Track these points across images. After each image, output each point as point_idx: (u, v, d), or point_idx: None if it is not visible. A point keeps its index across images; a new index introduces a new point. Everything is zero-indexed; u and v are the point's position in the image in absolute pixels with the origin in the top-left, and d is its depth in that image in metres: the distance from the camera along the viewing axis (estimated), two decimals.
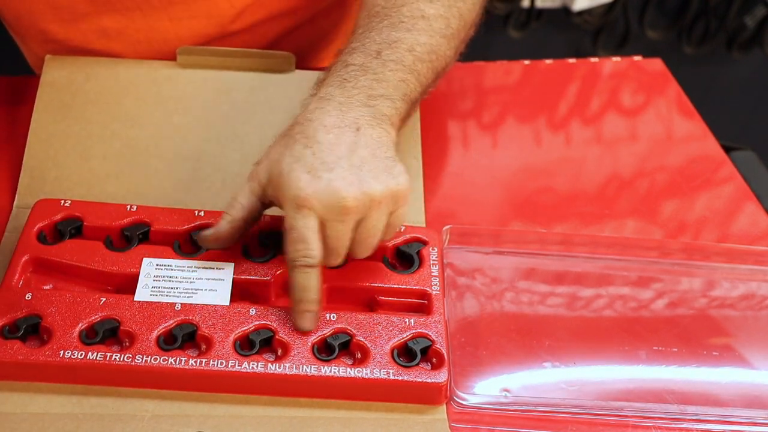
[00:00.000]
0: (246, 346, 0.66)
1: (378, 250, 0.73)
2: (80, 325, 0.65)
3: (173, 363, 0.64)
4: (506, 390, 0.69)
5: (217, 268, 0.70)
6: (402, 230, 0.75)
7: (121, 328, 0.66)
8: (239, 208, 0.68)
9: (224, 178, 0.80)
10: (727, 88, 1.98)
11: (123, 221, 0.73)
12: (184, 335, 0.66)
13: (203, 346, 0.66)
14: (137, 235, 0.72)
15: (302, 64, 0.89)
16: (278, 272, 0.70)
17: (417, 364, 0.66)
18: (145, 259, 0.71)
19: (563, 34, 1.86)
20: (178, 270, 0.70)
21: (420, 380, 0.65)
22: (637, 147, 0.94)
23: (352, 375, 0.65)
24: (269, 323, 0.67)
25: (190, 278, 0.69)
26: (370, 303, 0.72)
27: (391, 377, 0.65)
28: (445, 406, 0.67)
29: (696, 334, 0.75)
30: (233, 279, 0.70)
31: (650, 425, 0.68)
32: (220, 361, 0.65)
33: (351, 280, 0.71)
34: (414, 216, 0.80)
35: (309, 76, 0.83)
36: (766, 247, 0.83)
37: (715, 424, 0.68)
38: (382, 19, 0.74)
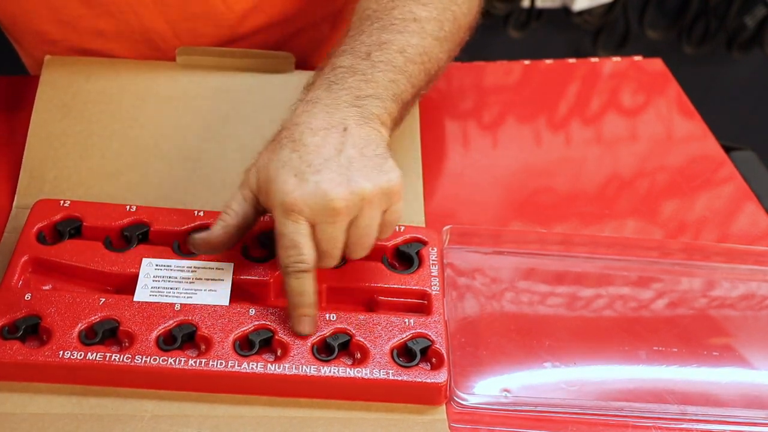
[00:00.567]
0: (245, 346, 0.66)
1: (377, 250, 0.73)
2: (80, 325, 0.65)
3: (173, 363, 0.64)
4: (506, 390, 0.68)
5: (216, 269, 0.70)
6: (401, 230, 0.75)
7: (121, 328, 0.66)
8: (233, 215, 0.68)
9: (224, 178, 0.80)
10: (727, 88, 1.97)
11: (122, 221, 0.73)
12: (184, 335, 0.66)
13: (203, 347, 0.66)
14: (137, 235, 0.72)
15: (302, 67, 0.89)
16: (278, 272, 0.70)
17: (417, 365, 0.66)
18: (144, 259, 0.70)
19: (563, 34, 1.86)
20: (178, 270, 0.70)
21: (420, 380, 0.65)
22: (637, 147, 0.94)
23: (352, 375, 0.65)
24: (269, 323, 0.67)
25: (189, 278, 0.69)
26: (370, 303, 0.72)
27: (391, 377, 0.65)
28: (444, 406, 0.67)
29: (696, 334, 0.75)
30: (233, 279, 0.70)
31: (650, 425, 0.68)
32: (219, 361, 0.64)
33: (350, 281, 0.71)
34: (414, 216, 0.80)
35: (308, 77, 0.83)
36: (766, 247, 0.83)
37: (715, 424, 0.68)
38: (373, 22, 0.73)
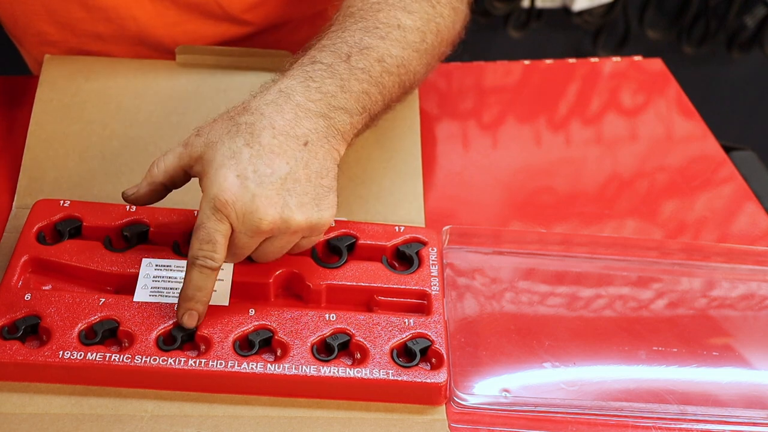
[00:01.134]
0: (245, 346, 0.66)
1: (377, 250, 0.74)
2: (79, 325, 0.65)
3: (172, 363, 0.64)
4: (506, 390, 0.68)
5: None
6: (401, 230, 0.75)
7: (121, 328, 0.66)
8: (161, 173, 0.67)
9: None
10: (727, 88, 1.97)
11: (122, 221, 0.72)
12: (184, 336, 0.66)
13: (202, 347, 0.66)
14: (136, 235, 0.72)
15: None
16: (277, 273, 0.70)
17: (416, 365, 0.66)
18: (144, 259, 0.70)
19: (563, 34, 1.86)
20: (177, 270, 0.70)
21: (419, 380, 0.65)
22: (637, 147, 0.94)
23: (352, 375, 0.65)
24: (268, 323, 0.67)
25: None
26: (370, 303, 0.72)
27: (391, 377, 0.65)
28: (444, 406, 0.67)
29: (696, 334, 0.75)
30: (233, 279, 0.70)
31: (650, 425, 0.68)
32: (219, 361, 0.64)
33: (350, 280, 0.71)
34: (413, 216, 0.80)
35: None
36: (766, 247, 0.83)
37: (715, 424, 0.68)
38: (357, 21, 0.72)
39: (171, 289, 0.69)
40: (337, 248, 0.73)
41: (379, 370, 0.65)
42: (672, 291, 0.78)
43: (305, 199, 0.64)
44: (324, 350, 0.67)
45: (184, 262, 0.70)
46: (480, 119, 0.95)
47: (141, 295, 0.68)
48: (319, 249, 0.73)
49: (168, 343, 0.66)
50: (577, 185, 0.89)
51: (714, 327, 0.76)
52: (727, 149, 0.95)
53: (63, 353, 0.64)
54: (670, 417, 0.68)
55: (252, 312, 0.68)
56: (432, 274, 0.72)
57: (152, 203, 0.70)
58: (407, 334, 0.68)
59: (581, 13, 1.78)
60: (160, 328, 0.66)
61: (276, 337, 0.67)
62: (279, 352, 0.66)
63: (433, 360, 0.67)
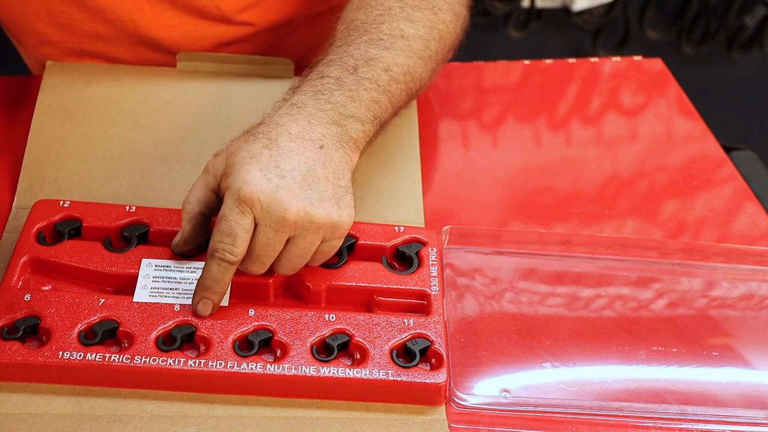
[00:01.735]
0: (245, 346, 0.66)
1: (377, 250, 0.74)
2: (79, 326, 0.65)
3: (172, 364, 0.64)
4: (506, 390, 0.68)
5: None
6: (401, 231, 0.75)
7: (120, 329, 0.66)
8: (194, 203, 0.68)
9: None
10: (727, 88, 1.97)
11: (122, 222, 0.73)
12: (183, 336, 0.66)
13: (202, 347, 0.66)
14: (136, 235, 0.72)
15: (301, 72, 0.89)
16: (277, 273, 0.70)
17: (416, 365, 0.66)
18: (144, 259, 0.70)
19: (563, 34, 1.86)
20: (177, 271, 0.70)
21: (419, 381, 0.65)
22: (637, 147, 0.94)
23: (351, 376, 0.65)
24: (268, 324, 0.67)
25: (189, 279, 0.69)
26: (369, 303, 0.72)
27: (390, 378, 0.65)
28: (444, 406, 0.67)
29: (696, 334, 0.75)
30: (232, 279, 0.70)
31: (650, 425, 0.68)
32: (219, 362, 0.64)
33: (350, 281, 0.71)
34: (413, 216, 0.80)
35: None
36: (766, 247, 0.83)
37: (715, 424, 0.68)
38: (362, 35, 0.74)
39: (171, 289, 0.69)
40: None
41: (378, 370, 0.65)
42: (672, 291, 0.78)
43: (325, 196, 0.65)
44: (324, 350, 0.67)
45: (183, 263, 0.71)
46: (480, 119, 0.95)
47: (141, 295, 0.68)
48: None
49: (168, 343, 0.66)
50: (577, 185, 0.89)
51: (714, 327, 0.76)
52: (727, 149, 0.95)
53: (63, 353, 0.64)
54: (670, 417, 0.68)
55: (252, 312, 0.68)
56: (432, 274, 0.72)
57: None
58: (407, 334, 0.68)
59: (581, 13, 1.78)
60: (159, 328, 0.66)
61: (276, 337, 0.67)
62: (279, 353, 0.66)
63: (433, 360, 0.67)
